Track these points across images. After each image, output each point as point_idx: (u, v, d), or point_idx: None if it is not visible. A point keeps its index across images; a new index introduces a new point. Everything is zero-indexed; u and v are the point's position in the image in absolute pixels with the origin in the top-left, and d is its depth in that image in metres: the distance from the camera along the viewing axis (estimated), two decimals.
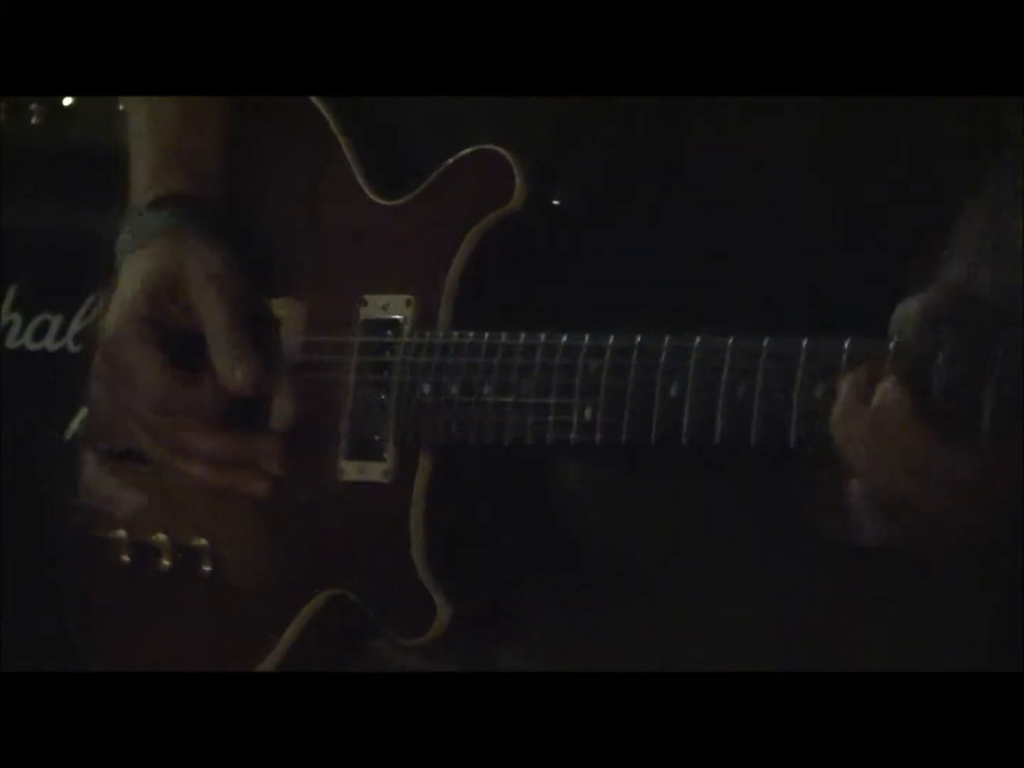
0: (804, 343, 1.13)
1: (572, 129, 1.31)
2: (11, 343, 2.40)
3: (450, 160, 1.30)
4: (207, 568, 1.42)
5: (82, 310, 2.42)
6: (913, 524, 1.13)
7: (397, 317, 1.29)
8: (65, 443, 1.66)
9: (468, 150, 1.28)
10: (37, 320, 2.41)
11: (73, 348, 2.39)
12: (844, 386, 1.10)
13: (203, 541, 1.43)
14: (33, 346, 2.41)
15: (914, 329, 1.10)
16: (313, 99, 1.39)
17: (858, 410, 1.11)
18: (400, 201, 1.32)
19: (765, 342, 1.14)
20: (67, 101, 2.46)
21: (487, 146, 1.27)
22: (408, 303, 1.28)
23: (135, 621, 1.50)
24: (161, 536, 1.45)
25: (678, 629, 1.31)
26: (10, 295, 2.40)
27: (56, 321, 2.41)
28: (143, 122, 1.48)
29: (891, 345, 1.09)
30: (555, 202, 1.27)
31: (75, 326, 2.42)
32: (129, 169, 1.47)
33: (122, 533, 1.48)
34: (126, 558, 1.48)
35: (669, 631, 1.31)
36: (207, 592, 1.43)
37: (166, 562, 1.44)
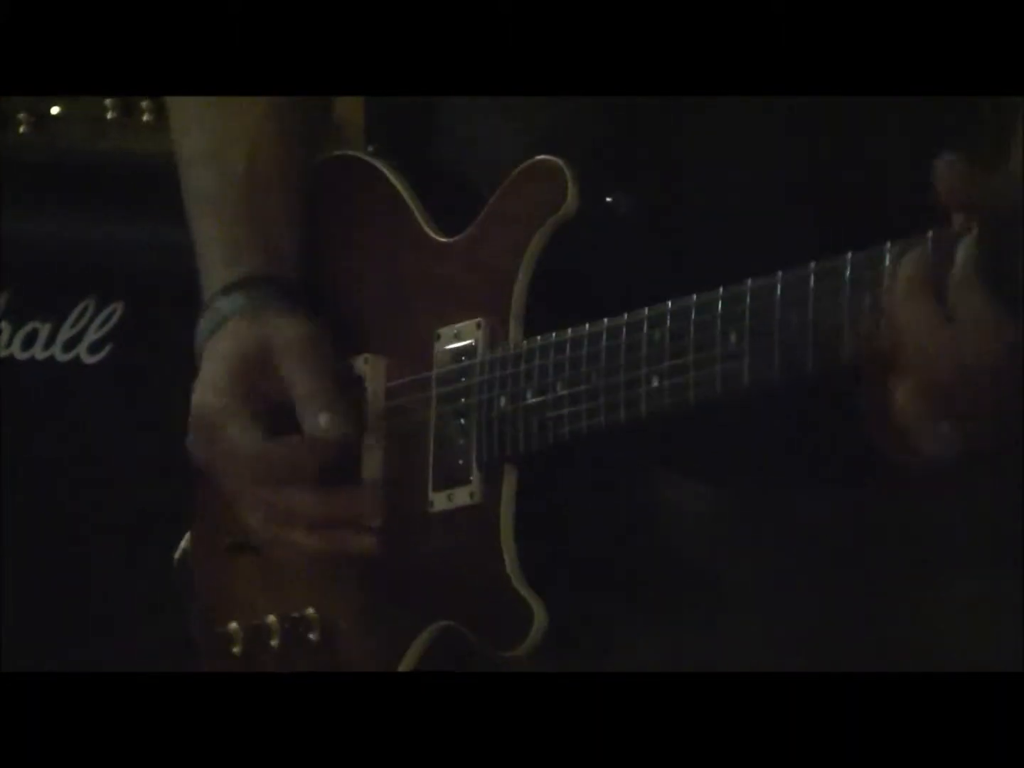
0: (849, 255, 1.12)
1: (616, 132, 1.31)
2: (0, 352, 2.40)
3: (504, 183, 1.31)
4: (313, 637, 1.42)
5: (71, 318, 2.41)
6: (981, 422, 1.11)
7: (470, 342, 1.31)
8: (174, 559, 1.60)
9: (518, 168, 1.29)
10: (26, 329, 2.41)
11: (88, 358, 2.38)
12: (896, 282, 1.09)
13: (311, 611, 1.43)
14: (21, 355, 2.40)
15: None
16: (365, 156, 1.42)
17: (912, 305, 1.10)
18: (463, 234, 1.34)
19: (812, 265, 1.14)
20: (55, 110, 2.43)
21: (536, 158, 1.28)
22: (478, 326, 1.30)
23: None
24: (272, 618, 1.45)
25: (759, 641, 1.31)
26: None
27: (45, 329, 2.42)
28: (208, 197, 1.49)
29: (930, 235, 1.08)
30: (608, 199, 1.27)
31: (64, 334, 2.41)
32: (200, 252, 1.48)
33: (235, 625, 1.48)
34: (237, 650, 1.47)
35: (751, 642, 1.31)
36: (316, 660, 1.42)
37: (274, 643, 1.44)
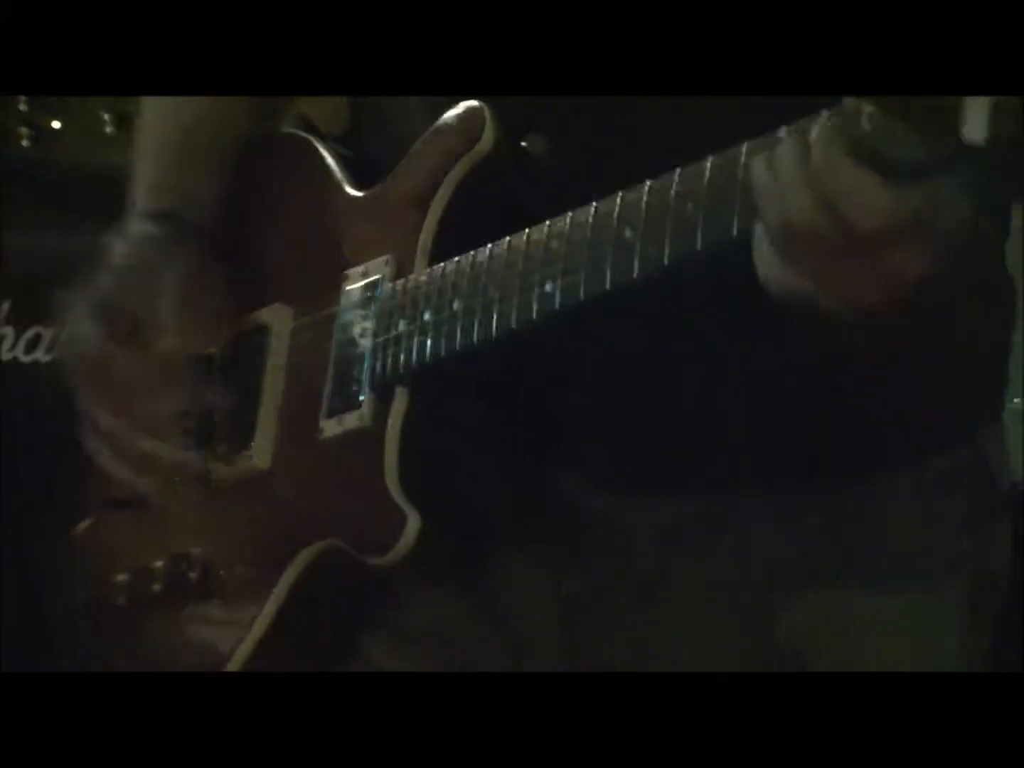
0: (744, 146, 1.13)
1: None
2: (4, 355, 2.41)
3: (427, 131, 1.31)
4: (193, 575, 1.42)
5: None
6: (821, 270, 1.10)
7: (376, 277, 1.30)
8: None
9: (442, 116, 1.28)
10: (29, 333, 2.42)
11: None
12: (778, 149, 1.10)
13: (196, 550, 1.42)
14: (25, 358, 2.41)
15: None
16: (303, 133, 1.45)
17: (783, 159, 1.10)
18: (379, 185, 1.34)
19: (709, 160, 1.14)
20: (55, 124, 2.46)
21: (459, 103, 1.27)
22: (386, 262, 1.29)
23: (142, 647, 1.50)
24: (158, 564, 1.45)
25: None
26: (3, 310, 2.42)
27: (47, 334, 2.42)
28: (148, 138, 1.52)
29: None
30: (523, 143, 1.26)
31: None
32: (131, 180, 1.50)
33: (122, 576, 1.49)
34: (121, 600, 1.48)
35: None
36: (197, 598, 1.42)
37: (156, 587, 1.44)
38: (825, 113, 1.11)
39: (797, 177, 1.09)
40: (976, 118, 1.01)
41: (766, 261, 1.11)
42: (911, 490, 1.34)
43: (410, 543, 1.23)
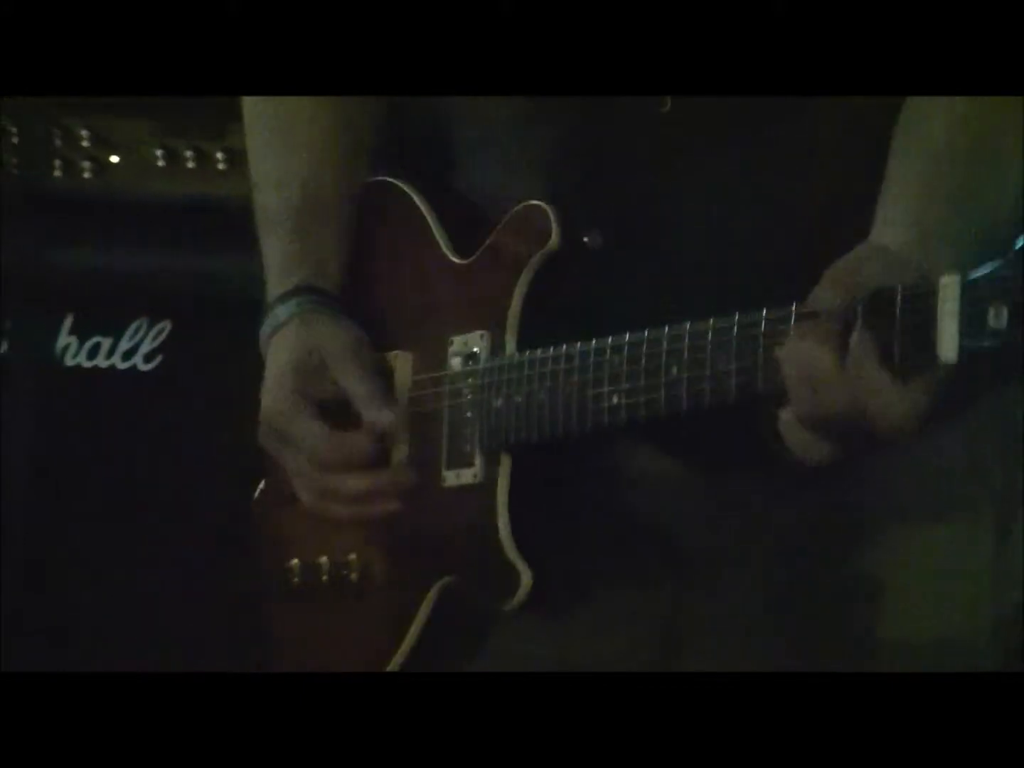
0: (764, 313, 1.24)
1: (598, 176, 1.43)
2: (69, 361, 2.53)
3: (504, 220, 1.43)
4: (354, 577, 1.52)
5: (128, 333, 2.54)
6: (851, 441, 1.23)
7: (475, 349, 1.42)
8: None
9: (515, 208, 1.41)
10: (90, 342, 2.55)
11: (143, 366, 2.53)
12: (791, 340, 1.21)
13: (353, 556, 1.52)
14: (87, 364, 2.54)
15: (833, 292, 1.21)
16: (398, 182, 1.53)
17: (797, 352, 1.22)
18: (472, 258, 1.45)
19: (736, 317, 1.26)
20: (114, 159, 2.53)
21: (528, 202, 1.40)
22: (482, 337, 1.41)
23: (306, 626, 1.59)
24: (323, 559, 1.55)
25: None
26: (67, 322, 2.54)
27: (106, 343, 2.55)
28: (269, 217, 1.57)
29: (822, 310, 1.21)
30: (585, 239, 1.39)
31: (122, 346, 2.53)
32: (264, 264, 1.56)
33: (296, 561, 1.57)
34: (297, 580, 1.57)
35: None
36: (355, 598, 1.53)
37: (324, 577, 1.54)
38: (859, 310, 1.20)
39: (834, 376, 1.21)
40: (947, 340, 1.13)
41: (796, 437, 1.24)
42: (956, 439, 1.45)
43: (523, 598, 1.37)
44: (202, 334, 2.48)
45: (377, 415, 1.46)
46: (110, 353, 2.57)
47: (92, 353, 2.57)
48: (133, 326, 2.56)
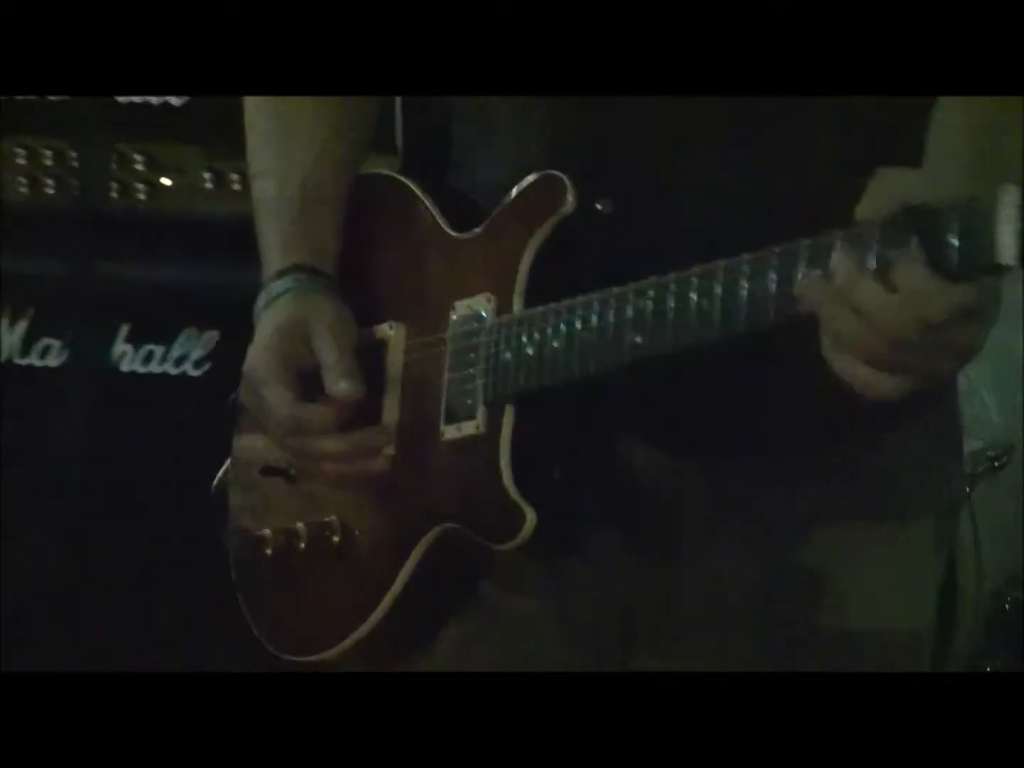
0: (803, 241, 1.22)
1: (607, 148, 1.44)
2: (124, 368, 2.65)
3: (518, 188, 1.44)
4: (336, 539, 1.55)
5: (179, 341, 2.63)
6: (921, 370, 1.20)
7: (480, 311, 1.44)
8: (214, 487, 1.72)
9: (529, 179, 1.43)
10: (144, 350, 2.66)
11: (193, 372, 2.63)
12: (842, 265, 1.18)
13: (334, 517, 1.56)
14: (141, 370, 2.64)
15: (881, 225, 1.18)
16: (396, 175, 1.58)
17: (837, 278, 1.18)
18: (476, 231, 1.48)
19: (776, 249, 1.23)
20: (166, 181, 2.62)
21: (545, 172, 1.42)
22: (488, 299, 1.44)
23: (287, 595, 1.61)
24: (300, 524, 1.58)
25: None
26: (123, 332, 2.66)
27: (159, 350, 2.64)
28: (271, 204, 1.61)
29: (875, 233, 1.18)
30: (598, 206, 1.41)
31: (174, 353, 2.63)
32: (261, 245, 1.61)
33: (267, 531, 1.60)
34: (269, 551, 1.59)
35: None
36: (339, 556, 1.55)
37: (302, 545, 1.56)
38: (903, 220, 1.17)
39: (880, 296, 1.18)
40: (1007, 244, 1.12)
41: (853, 372, 1.22)
42: (902, 445, 1.48)
43: (527, 535, 1.40)
44: (248, 342, 2.46)
45: (334, 385, 1.51)
46: (163, 360, 2.67)
47: (146, 360, 2.67)
48: (184, 335, 2.66)
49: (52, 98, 2.49)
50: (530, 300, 1.44)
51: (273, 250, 1.60)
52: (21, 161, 2.59)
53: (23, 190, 2.60)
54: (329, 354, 1.53)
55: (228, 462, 1.70)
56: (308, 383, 1.54)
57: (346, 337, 1.54)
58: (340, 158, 1.62)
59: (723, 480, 1.46)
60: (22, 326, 2.62)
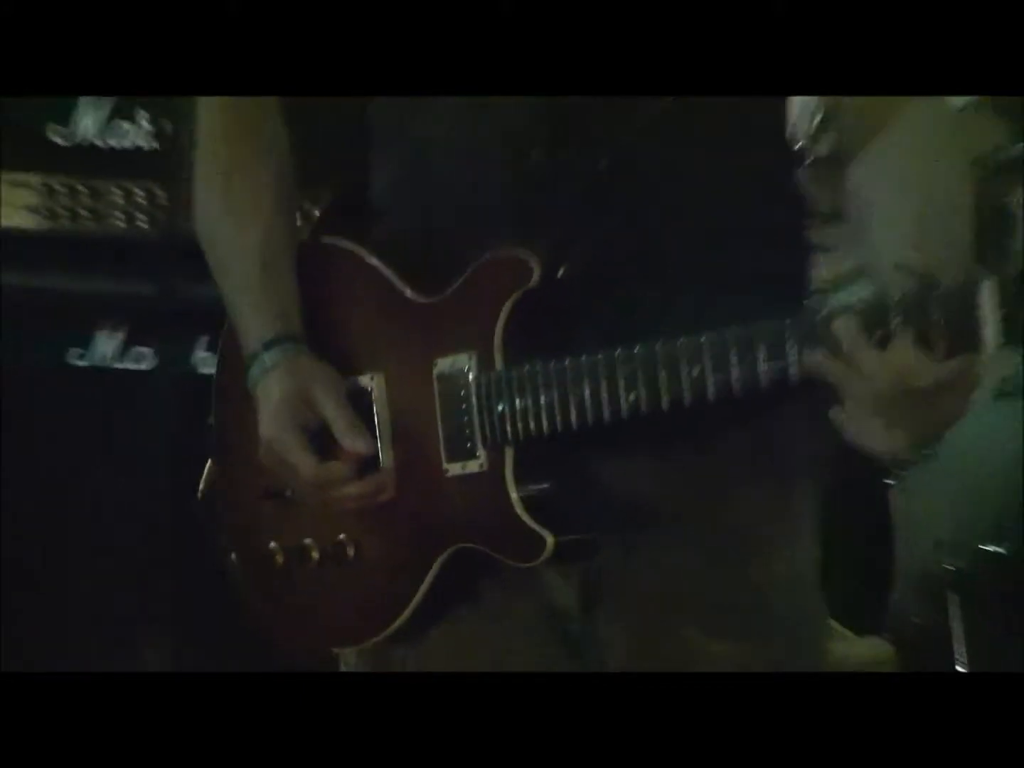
0: (788, 322, 1.42)
1: (571, 221, 1.58)
2: (204, 371, 2.83)
3: (481, 261, 1.59)
4: (351, 552, 1.70)
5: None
6: (913, 428, 1.36)
7: (464, 367, 1.59)
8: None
9: (492, 254, 1.58)
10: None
11: None
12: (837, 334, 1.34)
13: (343, 536, 1.71)
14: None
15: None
16: (348, 244, 1.70)
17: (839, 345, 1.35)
18: (446, 295, 1.62)
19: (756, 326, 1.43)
20: None
21: (512, 249, 1.57)
22: (470, 357, 1.59)
23: (303, 606, 1.77)
24: (308, 540, 1.73)
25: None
26: (203, 341, 2.89)
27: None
28: (234, 279, 1.75)
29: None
30: (559, 273, 1.56)
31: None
32: (229, 308, 1.77)
33: (274, 544, 1.75)
34: (280, 559, 1.74)
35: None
36: (355, 570, 1.70)
37: (315, 555, 1.72)
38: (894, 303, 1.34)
39: (876, 359, 1.35)
40: (988, 329, 1.28)
41: (859, 424, 1.39)
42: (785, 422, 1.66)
43: (549, 554, 1.57)
44: None
45: (351, 445, 1.68)
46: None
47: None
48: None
49: (144, 146, 2.62)
50: (507, 355, 1.59)
51: (249, 320, 1.75)
52: (119, 200, 2.78)
53: (120, 224, 2.77)
54: (336, 416, 1.69)
55: (207, 470, 1.85)
56: (319, 438, 1.71)
57: (341, 394, 1.71)
58: (284, 227, 1.76)
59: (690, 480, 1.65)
60: (119, 337, 2.88)
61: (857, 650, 1.81)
